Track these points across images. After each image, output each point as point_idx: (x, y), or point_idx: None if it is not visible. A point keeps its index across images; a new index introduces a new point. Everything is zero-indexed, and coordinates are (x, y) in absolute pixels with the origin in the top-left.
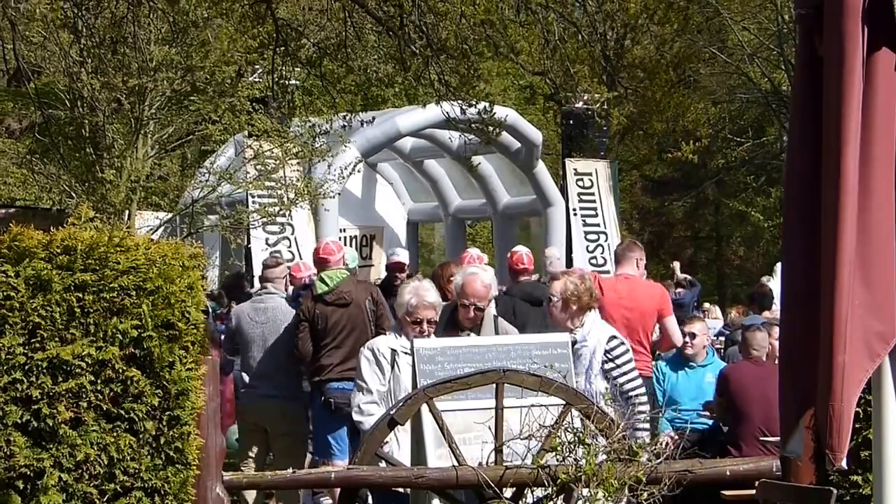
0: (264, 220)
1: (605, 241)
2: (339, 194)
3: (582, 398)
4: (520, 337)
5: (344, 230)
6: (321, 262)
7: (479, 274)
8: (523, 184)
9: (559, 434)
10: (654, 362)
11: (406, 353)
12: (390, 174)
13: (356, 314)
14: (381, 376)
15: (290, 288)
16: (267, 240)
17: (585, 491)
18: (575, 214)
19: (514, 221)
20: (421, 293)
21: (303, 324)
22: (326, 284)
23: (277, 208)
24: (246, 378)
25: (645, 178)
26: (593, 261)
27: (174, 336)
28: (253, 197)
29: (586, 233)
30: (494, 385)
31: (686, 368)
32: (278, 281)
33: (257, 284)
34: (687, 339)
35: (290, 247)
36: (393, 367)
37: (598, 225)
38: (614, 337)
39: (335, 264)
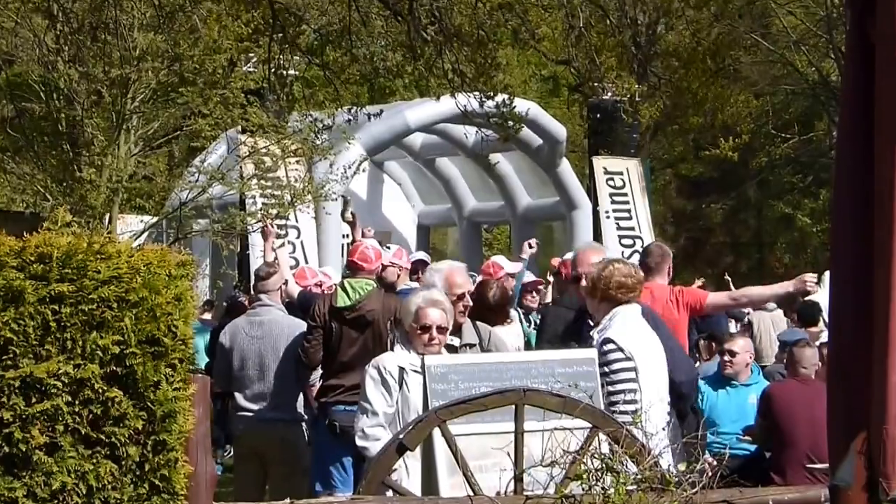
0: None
1: (641, 246)
2: (342, 196)
3: (610, 421)
4: (541, 353)
5: (347, 235)
6: (352, 267)
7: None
8: (545, 184)
9: (585, 460)
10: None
11: (415, 370)
12: (399, 174)
13: (378, 336)
14: (388, 397)
15: (297, 291)
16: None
17: None
18: (608, 217)
19: (535, 226)
20: (429, 296)
21: (317, 331)
22: (348, 296)
23: (275, 211)
24: (240, 399)
25: (680, 177)
26: None
27: (160, 352)
28: (253, 198)
29: (620, 237)
30: (514, 406)
31: (727, 387)
32: (273, 293)
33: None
34: (727, 356)
35: (293, 252)
36: (401, 387)
37: (632, 229)
38: (609, 341)
39: (368, 274)
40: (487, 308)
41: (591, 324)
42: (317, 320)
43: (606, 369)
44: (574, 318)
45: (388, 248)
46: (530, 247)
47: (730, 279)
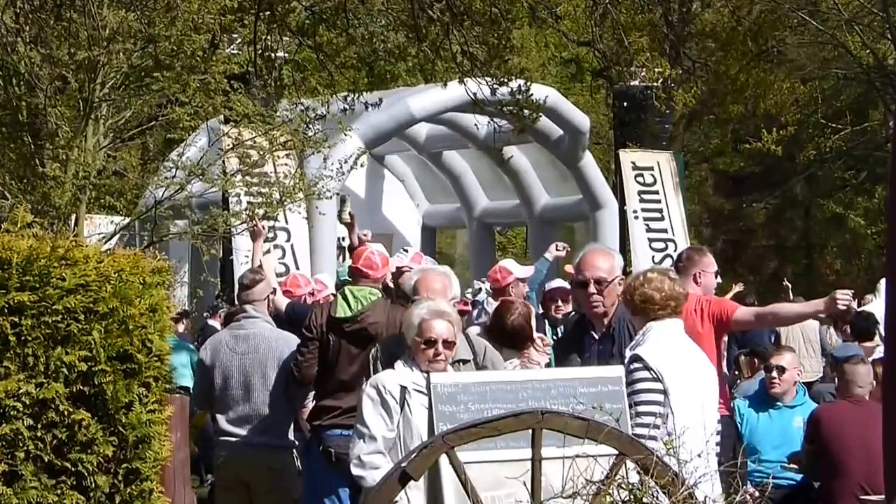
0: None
1: (675, 250)
2: (337, 194)
3: (639, 447)
4: (562, 371)
5: (343, 238)
6: (355, 275)
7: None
8: (566, 181)
9: (611, 491)
10: (733, 401)
11: (419, 390)
12: (401, 169)
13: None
14: (389, 420)
15: (285, 303)
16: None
17: None
18: (636, 217)
19: (554, 227)
20: (433, 306)
21: (313, 343)
22: (349, 305)
23: (262, 211)
24: (223, 422)
25: (717, 173)
26: None
27: (132, 370)
28: (237, 197)
29: (651, 240)
30: (531, 431)
31: (770, 409)
32: (259, 303)
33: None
34: (774, 373)
35: (282, 258)
36: (403, 409)
37: (664, 231)
38: (637, 359)
39: (373, 282)
40: (506, 333)
41: (595, 334)
42: (313, 331)
43: (630, 389)
44: (574, 327)
45: (406, 251)
46: (557, 248)
47: (789, 286)
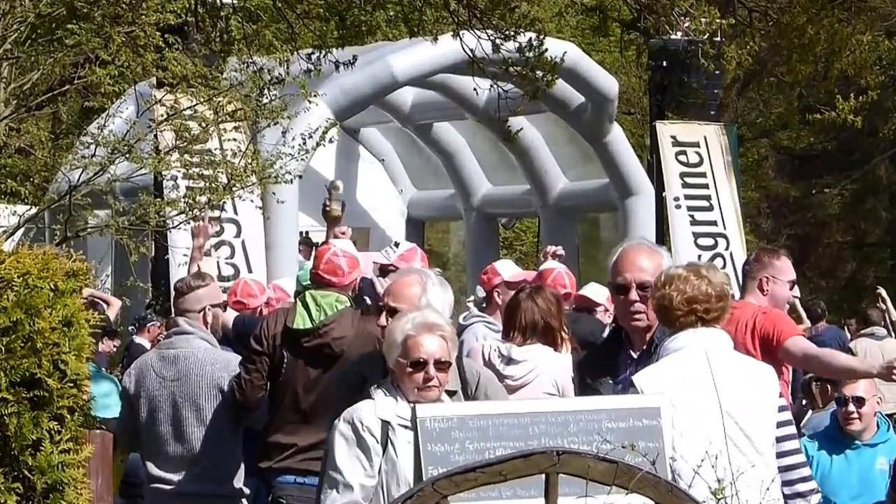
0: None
1: (726, 248)
2: (299, 177)
3: (679, 495)
4: (583, 401)
5: (306, 233)
6: (316, 280)
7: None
8: (588, 160)
9: None
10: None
11: (406, 426)
12: (381, 146)
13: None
14: (368, 464)
15: (232, 318)
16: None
17: None
18: (678, 206)
19: (574, 219)
20: (421, 318)
21: (261, 358)
22: (310, 314)
23: (205, 198)
24: (152, 467)
25: (781, 151)
26: None
27: (41, 399)
28: (174, 180)
29: (696, 235)
30: (544, 476)
31: (846, 449)
32: (197, 315)
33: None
34: (850, 407)
35: (230, 257)
36: (385, 449)
37: (713, 223)
38: (632, 383)
39: (341, 289)
40: (521, 331)
41: (633, 353)
42: (263, 343)
43: None
44: (607, 342)
45: (397, 244)
46: (554, 256)
47: (884, 294)
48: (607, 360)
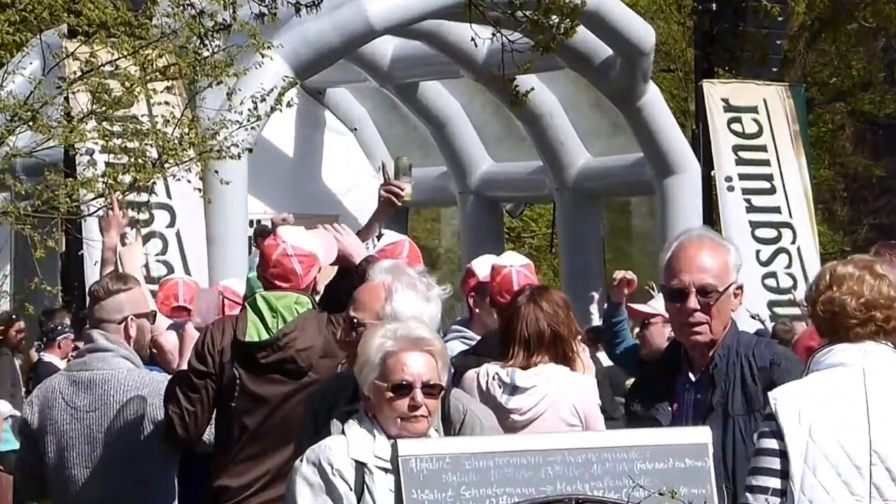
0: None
1: (792, 241)
2: (249, 151)
3: None
4: (610, 435)
5: (258, 221)
6: (267, 282)
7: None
8: (617, 130)
9: None
10: None
11: (384, 468)
12: (352, 111)
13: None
14: None
15: (167, 331)
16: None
17: None
18: (731, 189)
19: (598, 204)
20: (403, 331)
21: (204, 380)
22: (264, 322)
23: (129, 178)
24: None
25: (859, 118)
26: (769, 281)
27: None
28: (90, 155)
29: (754, 224)
30: None
31: None
32: (117, 326)
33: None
34: None
35: (161, 253)
36: (362, 498)
37: (775, 210)
38: (767, 401)
39: (297, 287)
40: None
41: (692, 375)
42: (207, 361)
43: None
44: (661, 362)
45: (380, 235)
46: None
47: None
48: (660, 383)
